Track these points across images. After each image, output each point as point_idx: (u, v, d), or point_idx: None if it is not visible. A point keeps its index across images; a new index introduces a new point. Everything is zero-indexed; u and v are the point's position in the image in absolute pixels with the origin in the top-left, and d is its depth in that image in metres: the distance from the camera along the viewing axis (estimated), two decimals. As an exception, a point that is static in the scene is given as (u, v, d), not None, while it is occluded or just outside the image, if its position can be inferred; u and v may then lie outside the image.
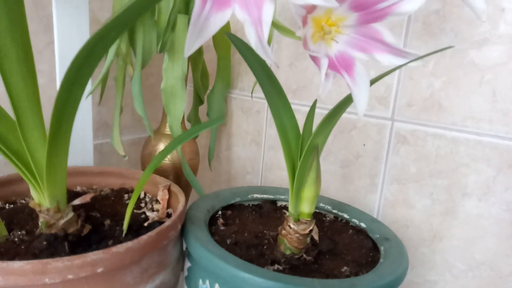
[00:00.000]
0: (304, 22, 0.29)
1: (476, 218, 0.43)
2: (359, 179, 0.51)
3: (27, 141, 0.30)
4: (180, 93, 0.43)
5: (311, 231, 0.37)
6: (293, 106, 0.35)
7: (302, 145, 0.36)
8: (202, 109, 0.60)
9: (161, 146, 0.51)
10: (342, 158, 0.52)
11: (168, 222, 0.31)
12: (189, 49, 0.26)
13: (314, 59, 0.28)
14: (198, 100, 0.61)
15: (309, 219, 0.37)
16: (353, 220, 0.44)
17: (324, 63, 0.27)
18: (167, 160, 0.51)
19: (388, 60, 0.30)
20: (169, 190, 0.40)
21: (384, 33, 0.30)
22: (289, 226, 0.37)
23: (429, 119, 0.45)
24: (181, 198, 0.37)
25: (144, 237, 0.28)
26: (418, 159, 0.46)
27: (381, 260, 0.35)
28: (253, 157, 0.62)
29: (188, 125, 0.70)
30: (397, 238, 0.39)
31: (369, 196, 0.50)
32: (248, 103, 0.61)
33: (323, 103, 0.53)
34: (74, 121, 0.30)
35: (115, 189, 0.43)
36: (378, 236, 0.40)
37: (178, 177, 0.53)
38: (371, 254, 0.38)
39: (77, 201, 0.33)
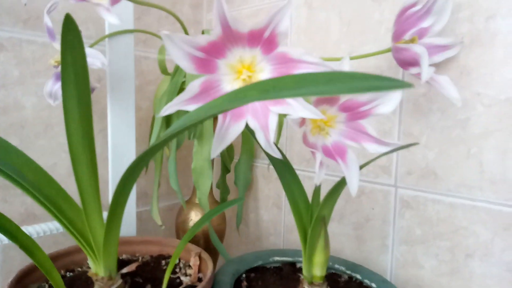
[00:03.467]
0: (302, 122, 0.37)
1: (481, 278, 0.46)
2: (371, 241, 0.56)
3: (90, 223, 0.38)
4: (207, 172, 0.51)
5: (323, 292, 0.42)
6: (307, 174, 0.42)
7: (311, 215, 0.43)
8: (230, 177, 0.68)
9: (193, 214, 0.59)
10: (354, 221, 0.57)
11: (199, 286, 0.37)
12: (214, 152, 0.34)
13: (312, 152, 0.36)
14: (225, 169, 0.69)
15: (321, 281, 0.42)
16: (365, 280, 0.48)
17: (318, 156, 0.35)
18: (198, 226, 0.59)
19: (373, 148, 0.37)
20: (199, 257, 0.46)
21: (368, 128, 0.37)
22: (304, 288, 0.43)
23: (427, 186, 0.50)
24: (210, 264, 0.43)
25: (180, 302, 0.34)
26: (422, 222, 0.50)
27: (386, 320, 0.39)
28: (275, 219, 0.68)
29: (216, 191, 0.78)
30: (402, 298, 0.43)
31: (382, 256, 0.55)
32: (268, 171, 0.69)
33: (332, 171, 0.59)
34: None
35: (154, 256, 0.50)
36: (386, 296, 0.44)
37: (207, 243, 0.60)
38: (380, 314, 0.42)
39: (125, 270, 0.40)
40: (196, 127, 0.51)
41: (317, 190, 0.43)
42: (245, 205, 0.73)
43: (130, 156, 0.55)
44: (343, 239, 0.59)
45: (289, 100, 0.34)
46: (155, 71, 0.73)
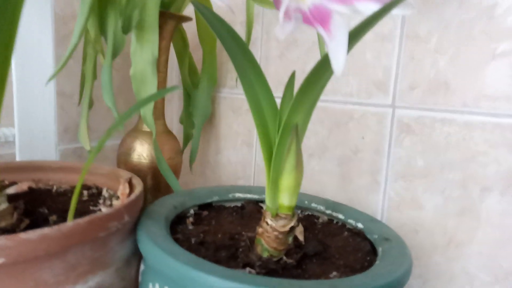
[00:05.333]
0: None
1: (500, 217, 0.35)
2: (359, 177, 0.44)
3: None
4: (151, 79, 0.39)
5: (292, 228, 0.31)
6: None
7: (280, 125, 0.31)
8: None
9: (137, 144, 0.47)
10: (339, 155, 0.46)
11: (108, 210, 0.25)
12: None
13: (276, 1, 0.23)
14: (188, 99, 0.56)
15: (290, 213, 0.31)
16: (349, 221, 0.37)
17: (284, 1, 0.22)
18: (144, 159, 0.47)
19: (369, 8, 0.25)
20: (130, 183, 0.34)
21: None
22: (266, 222, 0.31)
23: (436, 103, 0.38)
24: (138, 188, 0.31)
25: (68, 224, 0.22)
26: (426, 150, 0.39)
27: (377, 262, 0.28)
28: (245, 160, 0.56)
29: (180, 127, 0.66)
30: (399, 238, 0.32)
31: (371, 196, 0.43)
32: (238, 102, 0.57)
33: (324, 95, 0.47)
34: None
35: (74, 186, 0.38)
36: (376, 237, 0.33)
37: (157, 179, 0.48)
38: (368, 258, 0.31)
39: (11, 190, 0.28)
40: (132, 13, 0.38)
41: (288, 89, 0.31)
42: (209, 144, 0.61)
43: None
44: (325, 178, 0.47)
45: None
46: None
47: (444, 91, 0.38)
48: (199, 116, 0.54)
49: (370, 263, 0.30)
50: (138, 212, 0.30)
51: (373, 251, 0.32)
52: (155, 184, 0.48)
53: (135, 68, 0.39)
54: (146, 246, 0.26)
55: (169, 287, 0.25)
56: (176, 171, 0.50)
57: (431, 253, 0.39)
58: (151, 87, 0.39)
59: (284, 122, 0.29)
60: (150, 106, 0.40)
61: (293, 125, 0.30)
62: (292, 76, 0.31)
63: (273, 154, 0.31)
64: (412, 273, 0.40)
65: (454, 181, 0.37)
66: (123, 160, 0.47)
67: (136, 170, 0.46)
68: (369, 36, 0.42)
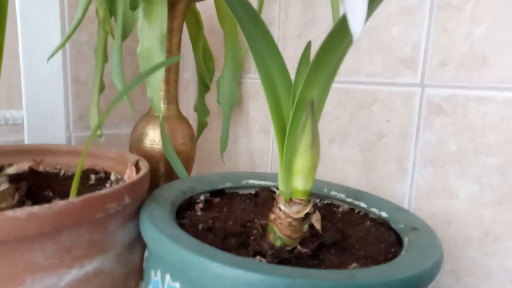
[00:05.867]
0: None
1: (546, 207, 0.31)
2: (383, 165, 0.41)
3: None
4: (159, 58, 0.37)
5: (308, 215, 0.28)
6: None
7: (294, 101, 0.28)
8: (209, 96, 0.54)
9: (150, 129, 0.45)
10: (362, 140, 0.42)
11: (106, 190, 0.24)
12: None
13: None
14: (203, 86, 0.55)
15: (305, 198, 0.28)
16: (372, 209, 0.34)
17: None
18: (157, 144, 0.45)
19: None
20: (136, 166, 0.33)
21: None
22: (279, 208, 0.29)
23: (471, 79, 0.34)
24: (143, 170, 0.30)
25: (60, 203, 0.21)
26: (459, 133, 0.35)
27: (402, 253, 0.25)
28: (262, 147, 0.54)
29: (194, 115, 0.64)
30: (428, 227, 0.28)
31: (397, 185, 0.40)
32: (254, 87, 0.54)
33: (337, 76, 0.44)
34: None
35: (83, 170, 0.37)
36: (402, 226, 0.30)
37: (170, 165, 0.46)
38: (392, 249, 0.28)
39: (11, 170, 0.27)
40: (139, -11, 0.36)
41: (303, 60, 0.28)
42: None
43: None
44: (346, 166, 0.44)
45: None
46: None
47: (481, 66, 0.34)
48: (226, 103, 0.52)
49: (395, 255, 0.27)
50: (143, 194, 0.29)
51: (399, 242, 0.29)
52: (168, 170, 0.46)
53: (142, 45, 0.37)
54: (147, 229, 0.24)
55: (170, 275, 0.23)
56: (190, 158, 0.48)
57: (465, 247, 0.35)
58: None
59: (298, 96, 0.27)
60: (157, 87, 0.38)
61: (309, 100, 0.27)
62: (308, 47, 0.28)
63: (286, 133, 0.28)
64: (444, 268, 0.37)
65: (492, 167, 0.34)
66: (135, 146, 0.46)
67: (148, 156, 0.45)
68: (395, 8, 0.38)
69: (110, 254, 0.25)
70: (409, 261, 0.22)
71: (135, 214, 0.27)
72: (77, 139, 0.53)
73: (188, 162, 0.48)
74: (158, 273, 0.24)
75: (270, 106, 0.28)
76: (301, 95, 0.27)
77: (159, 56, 0.37)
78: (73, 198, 0.22)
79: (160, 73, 0.37)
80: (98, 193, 0.23)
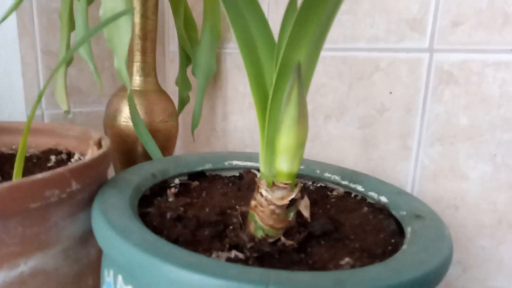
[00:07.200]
0: None
1: None
2: (385, 142, 0.36)
3: None
4: (124, 21, 0.32)
5: (293, 201, 0.24)
6: None
7: (277, 65, 0.23)
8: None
9: (125, 106, 0.41)
10: (361, 115, 0.38)
11: (44, 174, 0.19)
12: None
13: None
14: (185, 58, 0.49)
15: (290, 181, 0.24)
16: (370, 193, 0.30)
17: None
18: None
19: None
20: (98, 145, 0.28)
21: None
22: (261, 193, 0.24)
23: (488, 41, 0.29)
24: (102, 150, 0.25)
25: (-24, 191, 0.17)
26: (472, 105, 0.31)
27: (403, 247, 0.21)
28: (252, 125, 0.49)
29: (175, 89, 0.59)
30: (434, 215, 0.24)
31: (400, 165, 0.35)
32: (244, 58, 0.49)
33: (333, 43, 0.39)
34: None
35: (44, 150, 0.33)
36: (404, 213, 0.25)
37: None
38: (392, 241, 0.24)
39: None
40: None
41: (288, 12, 0.24)
42: (214, 109, 0.54)
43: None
44: (344, 144, 0.39)
45: None
46: None
47: (501, 25, 0.28)
48: (201, 75, 0.47)
49: (395, 248, 0.23)
50: (100, 179, 0.24)
51: (400, 231, 0.25)
52: (146, 151, 0.42)
53: (105, 6, 0.32)
54: (96, 221, 0.20)
55: (122, 277, 0.19)
56: (170, 137, 0.43)
57: (475, 235, 0.31)
58: (125, 30, 0.32)
59: (281, 59, 0.22)
60: (123, 55, 0.33)
61: (295, 63, 0.22)
62: (293, -1, 0.23)
63: (268, 104, 0.23)
64: (450, 258, 0.33)
65: (509, 144, 0.29)
66: (110, 124, 0.41)
67: (123, 134, 0.40)
68: (400, -39, 0.33)
69: (53, 250, 0.21)
70: (412, 258, 0.18)
71: (88, 202, 0.23)
72: (51, 116, 0.48)
73: (169, 141, 0.43)
74: (111, 273, 0.20)
75: (248, 71, 0.24)
76: (284, 57, 0.22)
77: (126, 21, 0.32)
78: (-3, 185, 0.17)
79: (126, 39, 0.32)
80: (32, 177, 0.19)
